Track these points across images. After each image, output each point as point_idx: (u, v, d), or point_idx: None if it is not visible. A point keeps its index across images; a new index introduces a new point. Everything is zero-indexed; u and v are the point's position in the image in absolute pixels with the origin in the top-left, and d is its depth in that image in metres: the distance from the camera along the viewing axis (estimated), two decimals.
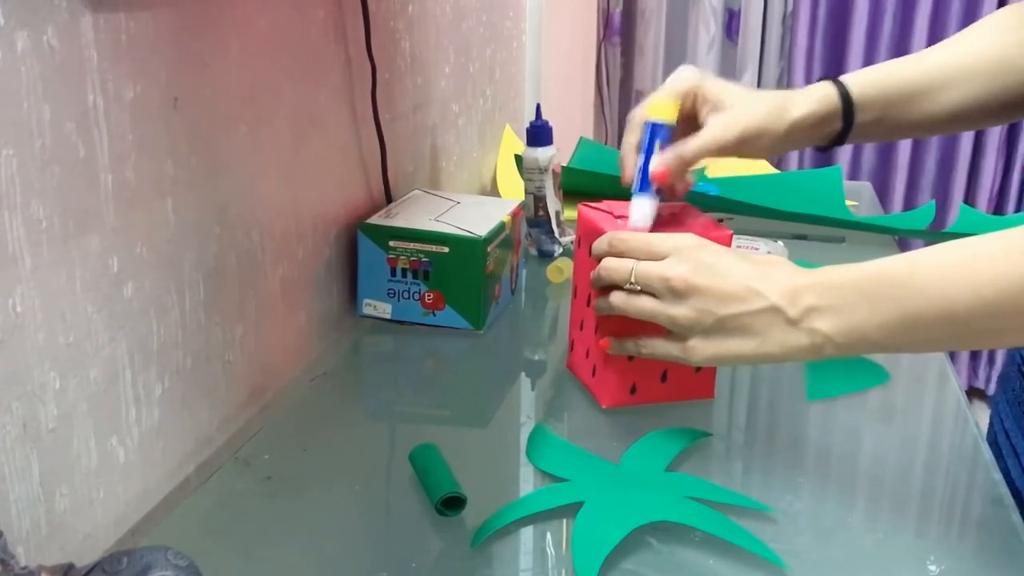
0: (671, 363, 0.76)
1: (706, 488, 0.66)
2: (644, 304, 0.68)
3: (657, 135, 0.76)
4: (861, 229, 1.24)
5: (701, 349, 0.66)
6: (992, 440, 0.87)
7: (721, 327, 0.65)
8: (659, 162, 0.75)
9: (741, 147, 0.77)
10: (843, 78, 0.82)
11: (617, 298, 0.70)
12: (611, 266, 0.70)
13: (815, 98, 0.79)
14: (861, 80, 0.81)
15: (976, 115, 0.83)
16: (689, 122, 0.79)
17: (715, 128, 0.76)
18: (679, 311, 0.66)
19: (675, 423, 0.75)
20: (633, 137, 0.79)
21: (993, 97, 0.82)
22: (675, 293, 0.66)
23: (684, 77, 0.78)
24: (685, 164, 0.77)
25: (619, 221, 0.76)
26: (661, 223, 0.76)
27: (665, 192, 0.77)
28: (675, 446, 0.72)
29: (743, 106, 0.77)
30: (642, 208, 0.75)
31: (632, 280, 0.69)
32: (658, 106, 0.76)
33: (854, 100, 0.80)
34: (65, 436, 0.58)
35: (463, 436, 0.77)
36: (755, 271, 0.65)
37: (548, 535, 0.62)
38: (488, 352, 0.91)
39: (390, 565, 0.59)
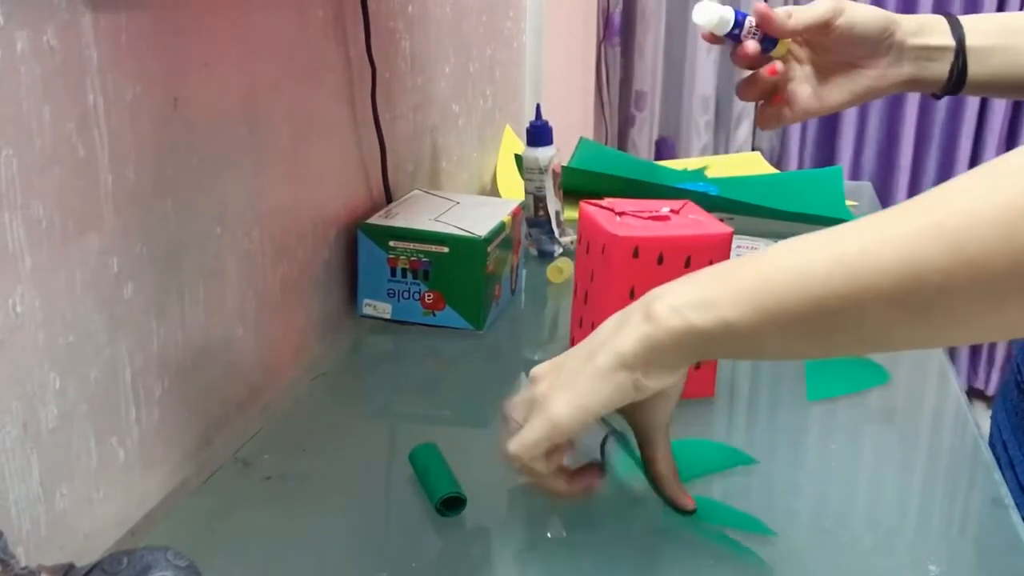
0: None
1: (713, 511, 0.64)
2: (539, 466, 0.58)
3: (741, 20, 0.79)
4: None
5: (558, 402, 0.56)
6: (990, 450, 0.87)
7: (571, 371, 0.56)
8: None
9: (832, 24, 0.77)
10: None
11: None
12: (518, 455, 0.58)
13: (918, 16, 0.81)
14: (968, 18, 0.82)
15: None
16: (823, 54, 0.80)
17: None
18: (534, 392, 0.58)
19: (678, 422, 0.75)
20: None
21: None
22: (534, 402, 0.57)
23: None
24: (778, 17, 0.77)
25: (619, 219, 0.76)
26: (659, 223, 0.76)
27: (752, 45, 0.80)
28: (710, 465, 0.70)
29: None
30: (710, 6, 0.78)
31: (529, 455, 0.57)
32: None
33: (961, 21, 0.80)
34: (65, 436, 0.58)
35: (463, 436, 0.77)
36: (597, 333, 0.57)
37: (548, 535, 0.62)
38: (488, 352, 0.91)
39: (390, 565, 0.59)
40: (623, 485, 0.65)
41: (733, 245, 0.75)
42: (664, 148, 2.55)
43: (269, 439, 0.73)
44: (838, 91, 0.81)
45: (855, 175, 2.50)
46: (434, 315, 0.94)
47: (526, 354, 0.92)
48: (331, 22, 0.89)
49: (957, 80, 0.81)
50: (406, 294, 0.93)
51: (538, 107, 1.13)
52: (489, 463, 0.72)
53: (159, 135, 0.64)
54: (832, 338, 0.50)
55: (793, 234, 0.55)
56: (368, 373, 0.90)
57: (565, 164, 1.24)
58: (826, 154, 2.51)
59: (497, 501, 0.65)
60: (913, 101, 2.43)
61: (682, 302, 0.52)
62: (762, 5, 0.77)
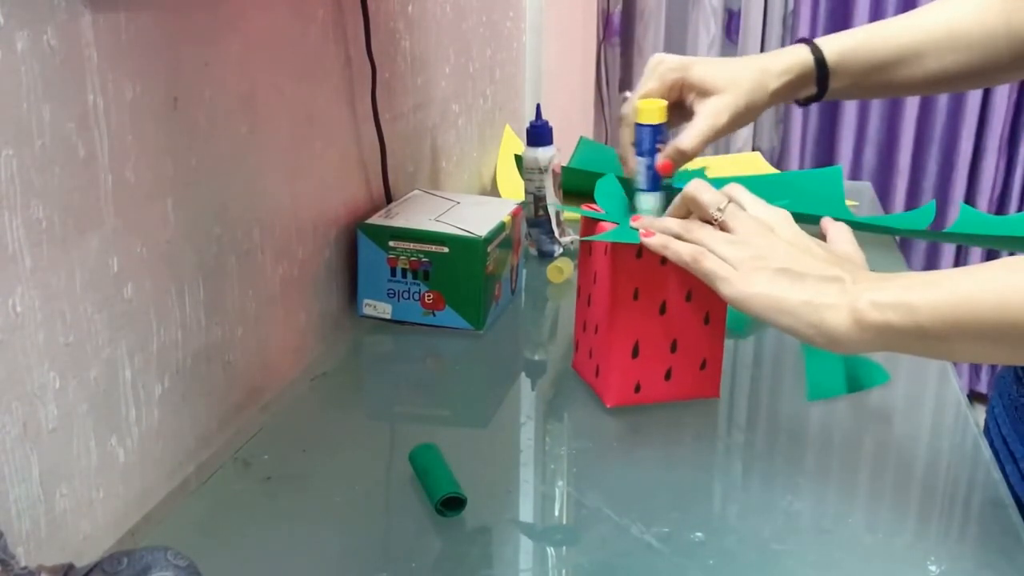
0: (675, 362, 0.77)
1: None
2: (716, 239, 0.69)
3: (657, 136, 0.77)
4: (861, 229, 1.24)
5: (751, 283, 0.65)
6: (988, 444, 0.87)
7: (783, 272, 0.65)
8: (662, 157, 0.78)
9: (732, 127, 0.81)
10: (820, 42, 0.85)
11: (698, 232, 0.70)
12: (703, 193, 0.71)
13: (790, 65, 0.83)
14: (838, 48, 0.85)
15: (956, 81, 0.85)
16: (676, 108, 0.82)
17: (708, 116, 0.80)
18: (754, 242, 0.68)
19: (678, 422, 0.75)
20: (627, 135, 0.81)
21: (973, 65, 0.84)
22: (759, 234, 0.69)
23: (668, 68, 0.82)
24: (687, 157, 0.79)
25: None
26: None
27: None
28: None
29: (729, 88, 0.80)
30: (651, 202, 0.78)
31: (719, 210, 0.70)
32: (648, 110, 0.78)
33: (829, 68, 0.84)
34: (65, 436, 0.58)
35: (463, 436, 0.77)
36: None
37: (548, 535, 0.62)
38: (488, 352, 0.91)
39: (390, 565, 0.59)
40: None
41: None
42: None
43: (269, 439, 0.73)
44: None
45: (855, 175, 2.50)
46: (434, 315, 0.94)
47: (526, 354, 0.92)
48: (331, 22, 0.89)
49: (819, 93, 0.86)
50: (406, 294, 0.93)
51: (538, 107, 1.13)
52: (489, 463, 0.72)
53: (159, 135, 0.64)
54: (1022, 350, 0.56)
55: None
56: (368, 373, 0.90)
57: (565, 164, 1.24)
58: (826, 154, 2.51)
59: (497, 501, 0.65)
60: (913, 102, 2.42)
61: (886, 301, 0.58)
62: (659, 161, 0.79)
